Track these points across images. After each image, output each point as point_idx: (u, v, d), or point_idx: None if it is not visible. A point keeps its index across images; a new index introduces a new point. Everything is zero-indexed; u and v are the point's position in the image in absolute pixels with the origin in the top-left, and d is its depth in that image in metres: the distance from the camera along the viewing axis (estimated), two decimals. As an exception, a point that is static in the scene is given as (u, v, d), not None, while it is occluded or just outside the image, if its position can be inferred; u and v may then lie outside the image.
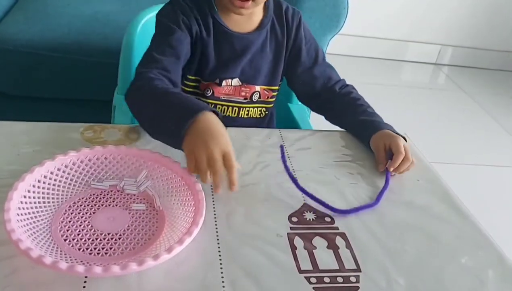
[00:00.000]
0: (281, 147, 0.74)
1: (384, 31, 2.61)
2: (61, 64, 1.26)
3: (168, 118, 0.65)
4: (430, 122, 2.15)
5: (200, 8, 0.82)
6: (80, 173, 0.63)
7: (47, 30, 1.28)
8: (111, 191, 0.63)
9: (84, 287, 0.49)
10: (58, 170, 0.61)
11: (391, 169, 0.71)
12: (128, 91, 0.74)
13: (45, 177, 0.60)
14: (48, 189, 0.59)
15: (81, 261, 0.52)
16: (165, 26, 0.79)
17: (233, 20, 0.83)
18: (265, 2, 0.82)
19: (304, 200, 0.66)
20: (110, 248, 0.54)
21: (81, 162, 0.63)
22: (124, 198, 0.62)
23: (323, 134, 0.83)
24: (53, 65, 1.26)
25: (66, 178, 0.61)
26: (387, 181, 0.71)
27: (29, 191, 0.57)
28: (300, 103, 1.06)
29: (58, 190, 0.60)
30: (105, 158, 0.64)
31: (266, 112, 0.91)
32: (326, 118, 0.90)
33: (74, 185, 0.62)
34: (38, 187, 0.59)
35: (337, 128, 0.86)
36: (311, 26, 1.24)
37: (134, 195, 0.62)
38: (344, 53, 2.60)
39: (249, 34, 0.84)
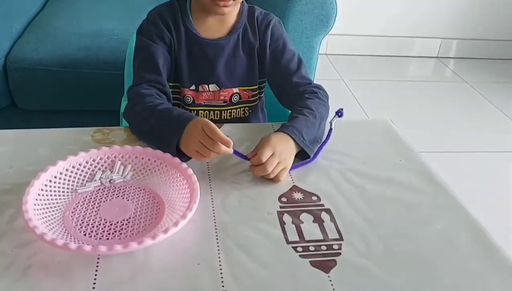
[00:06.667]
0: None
1: (387, 30, 2.67)
2: (72, 78, 1.35)
3: (160, 138, 0.75)
4: (435, 113, 2.19)
5: (174, 18, 0.87)
6: (74, 177, 0.70)
7: (58, 49, 1.36)
8: (109, 187, 0.69)
9: (97, 264, 0.56)
10: (67, 170, 0.69)
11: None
12: (125, 110, 0.84)
13: (55, 177, 0.67)
14: (59, 185, 0.67)
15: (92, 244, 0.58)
16: (142, 42, 0.87)
17: (206, 26, 0.88)
18: (239, 8, 0.87)
19: (294, 183, 0.73)
20: (116, 232, 0.61)
21: (80, 164, 0.70)
22: (126, 190, 0.69)
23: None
24: (65, 80, 1.35)
25: (75, 177, 0.69)
26: (328, 136, 0.82)
27: (42, 190, 0.64)
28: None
29: (68, 186, 0.68)
30: (102, 159, 0.72)
31: (250, 110, 0.95)
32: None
33: (77, 184, 0.69)
34: (50, 186, 0.66)
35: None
36: (301, 28, 1.31)
37: (132, 186, 0.69)
38: (351, 53, 2.68)
39: (220, 40, 0.88)
